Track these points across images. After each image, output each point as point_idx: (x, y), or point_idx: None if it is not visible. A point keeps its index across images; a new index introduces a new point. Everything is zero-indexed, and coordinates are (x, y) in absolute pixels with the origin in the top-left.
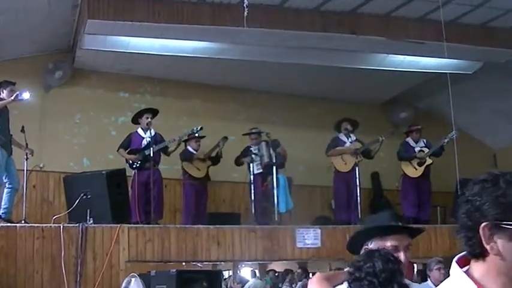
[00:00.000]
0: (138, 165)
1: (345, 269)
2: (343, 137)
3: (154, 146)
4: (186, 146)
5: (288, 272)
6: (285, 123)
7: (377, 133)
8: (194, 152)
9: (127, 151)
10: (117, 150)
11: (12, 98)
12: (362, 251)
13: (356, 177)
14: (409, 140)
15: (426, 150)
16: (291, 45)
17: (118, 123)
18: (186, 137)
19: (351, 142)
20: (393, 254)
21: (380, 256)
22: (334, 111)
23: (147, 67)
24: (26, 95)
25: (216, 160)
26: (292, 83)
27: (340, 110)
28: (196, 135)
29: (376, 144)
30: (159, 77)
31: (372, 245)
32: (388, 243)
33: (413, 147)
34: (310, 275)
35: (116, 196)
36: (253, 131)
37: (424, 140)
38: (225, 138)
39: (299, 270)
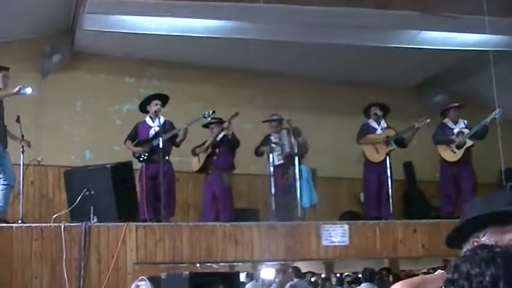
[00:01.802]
0: (145, 157)
1: (438, 273)
2: (373, 123)
3: (163, 135)
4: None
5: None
6: (307, 109)
7: (408, 119)
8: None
9: (134, 143)
10: (124, 143)
11: (15, 91)
12: (468, 246)
13: (387, 168)
14: (447, 120)
15: (466, 131)
16: (313, 23)
17: (123, 111)
18: (194, 123)
19: (381, 129)
20: None
21: (500, 256)
22: (361, 95)
23: (154, 49)
24: (28, 90)
25: (232, 143)
26: (314, 65)
27: (367, 94)
28: (208, 119)
29: (411, 132)
30: (167, 60)
31: (484, 238)
32: (510, 236)
33: (452, 129)
34: (337, 275)
35: (122, 192)
36: (274, 117)
37: (465, 121)
38: (236, 114)
39: (290, 270)
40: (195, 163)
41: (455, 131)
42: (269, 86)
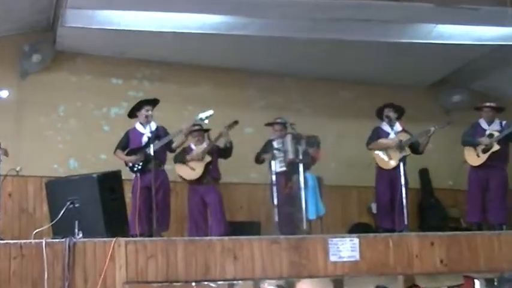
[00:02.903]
0: (140, 166)
1: None
2: (385, 127)
3: (156, 142)
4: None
5: None
6: (313, 112)
7: (424, 122)
8: (194, 147)
9: (125, 152)
10: (114, 152)
11: None
12: None
13: (401, 175)
14: (481, 120)
15: (496, 134)
16: (319, 17)
17: (111, 116)
18: (194, 127)
19: (395, 133)
20: None
21: None
22: (371, 96)
23: (144, 48)
24: (4, 93)
25: (226, 152)
26: (320, 64)
27: (379, 95)
28: (206, 122)
29: (426, 136)
30: (160, 60)
31: None
32: None
33: (485, 130)
34: None
35: (110, 204)
36: (278, 120)
37: (503, 122)
38: (234, 122)
39: None
40: (188, 172)
41: (487, 132)
42: (271, 86)
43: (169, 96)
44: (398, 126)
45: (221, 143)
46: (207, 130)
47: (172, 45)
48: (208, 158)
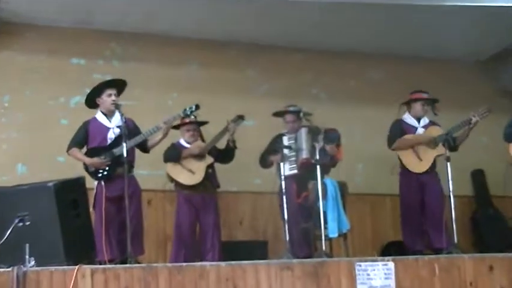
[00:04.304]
0: (106, 172)
1: None
2: (409, 119)
3: (127, 140)
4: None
5: None
6: (332, 98)
7: (470, 108)
8: (187, 145)
9: (84, 151)
10: (68, 151)
11: None
12: None
13: (436, 180)
14: None
15: None
16: None
17: (70, 107)
18: (176, 122)
19: (423, 126)
20: None
21: None
22: (406, 75)
23: (113, 16)
24: None
25: (226, 155)
26: (340, 35)
27: (414, 73)
28: (192, 117)
29: (466, 128)
30: (133, 31)
31: None
32: None
33: None
34: None
35: (72, 221)
36: (291, 109)
37: None
38: (239, 117)
39: None
40: (186, 175)
41: None
42: (277, 65)
43: (146, 79)
44: (426, 118)
45: (220, 143)
46: (202, 123)
47: (150, 13)
48: (210, 159)
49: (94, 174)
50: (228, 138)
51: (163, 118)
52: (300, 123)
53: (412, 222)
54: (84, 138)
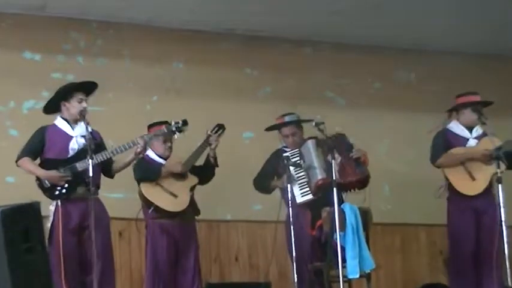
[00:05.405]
0: (64, 190)
1: None
2: (459, 129)
3: (93, 155)
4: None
5: None
6: (352, 102)
7: None
8: (161, 160)
9: (38, 162)
10: (17, 161)
11: None
12: None
13: (496, 205)
14: None
15: None
16: None
17: (22, 113)
18: (154, 139)
19: (476, 137)
20: None
21: None
22: (444, 74)
23: (76, 0)
24: None
25: (205, 174)
26: (359, 23)
27: (455, 71)
28: (175, 136)
29: None
30: (105, 19)
31: None
32: None
33: None
34: None
35: (23, 257)
36: (286, 118)
37: None
38: (220, 127)
39: None
40: (168, 200)
41: None
42: (282, 60)
43: (120, 79)
44: (479, 128)
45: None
46: (175, 131)
47: None
48: (194, 179)
49: (50, 191)
50: (208, 153)
51: (137, 136)
52: (301, 134)
53: (464, 261)
54: (40, 146)
